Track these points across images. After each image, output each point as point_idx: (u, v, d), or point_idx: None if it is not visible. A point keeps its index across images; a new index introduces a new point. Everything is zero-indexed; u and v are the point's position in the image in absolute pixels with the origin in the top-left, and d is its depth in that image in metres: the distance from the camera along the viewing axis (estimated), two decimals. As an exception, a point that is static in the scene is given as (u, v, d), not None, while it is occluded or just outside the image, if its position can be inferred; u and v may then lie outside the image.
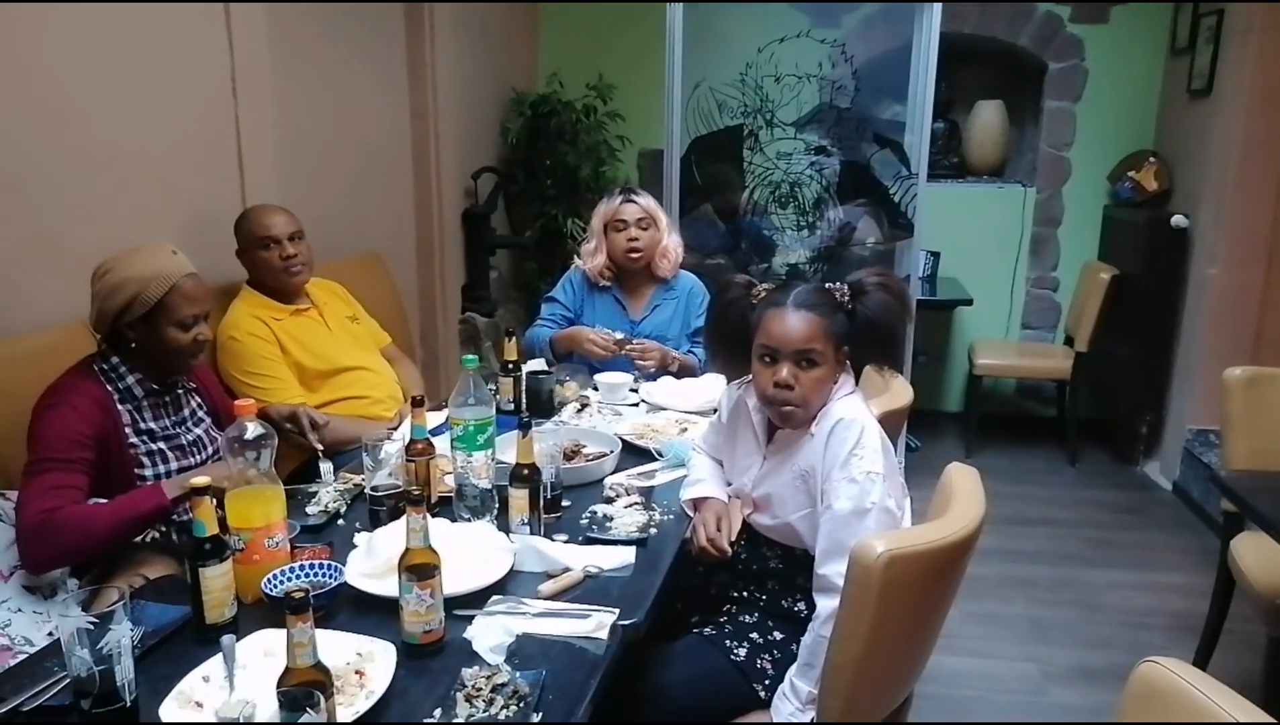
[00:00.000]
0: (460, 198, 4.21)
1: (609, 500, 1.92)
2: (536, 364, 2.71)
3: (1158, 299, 4.18)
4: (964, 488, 1.64)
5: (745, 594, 1.81)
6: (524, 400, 2.45)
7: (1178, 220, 4.07)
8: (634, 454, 2.17)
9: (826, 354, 1.65)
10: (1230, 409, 2.46)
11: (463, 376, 1.81)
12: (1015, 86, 4.91)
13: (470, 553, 1.56)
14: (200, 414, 2.02)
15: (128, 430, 1.85)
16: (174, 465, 1.90)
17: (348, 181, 3.42)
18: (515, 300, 4.75)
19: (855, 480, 1.58)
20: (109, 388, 1.84)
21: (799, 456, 1.69)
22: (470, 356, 1.92)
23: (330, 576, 1.50)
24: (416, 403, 1.85)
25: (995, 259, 4.85)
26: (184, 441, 1.94)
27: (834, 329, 1.66)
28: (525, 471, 1.68)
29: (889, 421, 2.10)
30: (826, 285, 1.71)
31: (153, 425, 1.89)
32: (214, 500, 1.38)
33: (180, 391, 1.98)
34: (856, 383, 1.76)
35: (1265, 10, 3.62)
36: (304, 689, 1.04)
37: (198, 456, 1.95)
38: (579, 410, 2.49)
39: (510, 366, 2.46)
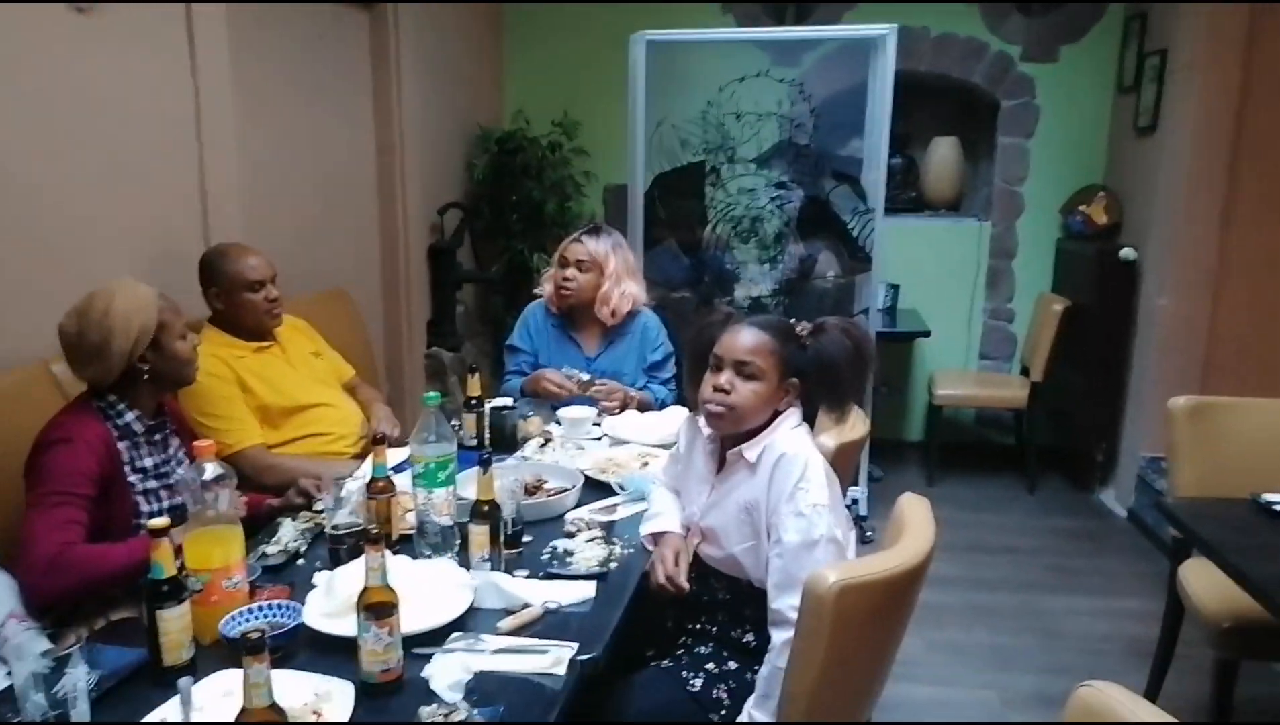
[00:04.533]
0: (426, 233, 4.24)
1: (570, 535, 1.93)
2: (500, 399, 2.73)
3: (1109, 329, 4.29)
4: (915, 517, 1.67)
5: (698, 626, 1.83)
6: (487, 436, 2.46)
7: (1126, 252, 4.19)
8: (596, 488, 2.19)
9: (768, 372, 1.72)
10: (1175, 437, 2.52)
11: (424, 413, 1.83)
12: (970, 123, 5.04)
13: (430, 590, 1.57)
14: (180, 454, 2.04)
15: (127, 468, 1.87)
16: (166, 503, 1.92)
17: (313, 217, 3.43)
18: (481, 335, 4.76)
19: (802, 513, 1.63)
20: (108, 425, 1.85)
21: (742, 489, 1.74)
22: (431, 394, 1.94)
23: (288, 617, 1.50)
24: (378, 440, 1.86)
25: (953, 291, 4.95)
26: (172, 480, 1.96)
27: (781, 352, 1.73)
28: (485, 508, 1.70)
29: (846, 452, 2.14)
30: (792, 320, 1.79)
31: (147, 462, 1.92)
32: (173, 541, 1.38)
33: (167, 431, 2.00)
34: (814, 423, 1.81)
35: (1205, 50, 3.76)
36: (259, 730, 1.05)
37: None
38: (542, 445, 2.51)
39: (474, 402, 2.48)
